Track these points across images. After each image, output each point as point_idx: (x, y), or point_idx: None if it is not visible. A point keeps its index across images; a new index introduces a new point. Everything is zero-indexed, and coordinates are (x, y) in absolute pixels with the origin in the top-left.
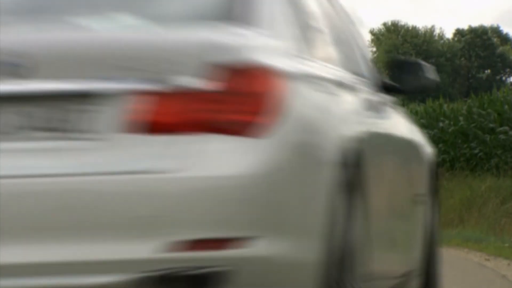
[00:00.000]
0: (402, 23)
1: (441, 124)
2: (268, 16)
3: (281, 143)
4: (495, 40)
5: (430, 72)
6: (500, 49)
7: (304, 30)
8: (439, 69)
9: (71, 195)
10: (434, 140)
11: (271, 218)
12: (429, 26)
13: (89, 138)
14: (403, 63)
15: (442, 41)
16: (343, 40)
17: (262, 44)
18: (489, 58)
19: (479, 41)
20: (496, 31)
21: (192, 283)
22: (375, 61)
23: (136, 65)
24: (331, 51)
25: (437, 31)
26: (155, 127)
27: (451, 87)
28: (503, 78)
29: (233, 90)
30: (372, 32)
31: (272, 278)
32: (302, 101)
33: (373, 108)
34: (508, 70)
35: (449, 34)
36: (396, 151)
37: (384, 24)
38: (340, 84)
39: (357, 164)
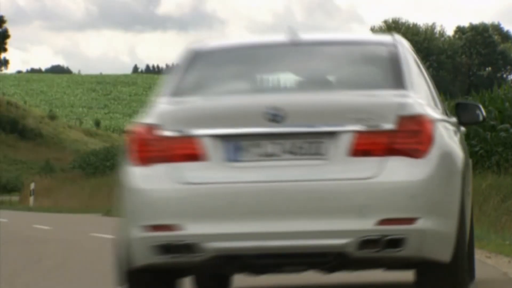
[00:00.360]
0: (403, 21)
1: None
2: (414, 82)
3: (433, 160)
4: (496, 37)
5: (482, 111)
6: (501, 46)
7: (428, 86)
8: (440, 67)
9: (317, 192)
10: None
11: (428, 206)
12: (430, 23)
13: (323, 158)
14: (467, 104)
15: (443, 39)
16: (431, 86)
17: (417, 101)
18: (490, 56)
19: (480, 39)
20: (497, 28)
21: (387, 244)
22: None
23: (351, 115)
24: (435, 96)
25: (438, 29)
26: (363, 151)
27: (452, 84)
28: (504, 75)
29: (408, 129)
30: (373, 30)
31: (427, 244)
32: (440, 135)
33: (456, 132)
34: (509, 67)
35: (450, 32)
36: (467, 160)
37: (385, 22)
38: (447, 121)
39: (465, 171)
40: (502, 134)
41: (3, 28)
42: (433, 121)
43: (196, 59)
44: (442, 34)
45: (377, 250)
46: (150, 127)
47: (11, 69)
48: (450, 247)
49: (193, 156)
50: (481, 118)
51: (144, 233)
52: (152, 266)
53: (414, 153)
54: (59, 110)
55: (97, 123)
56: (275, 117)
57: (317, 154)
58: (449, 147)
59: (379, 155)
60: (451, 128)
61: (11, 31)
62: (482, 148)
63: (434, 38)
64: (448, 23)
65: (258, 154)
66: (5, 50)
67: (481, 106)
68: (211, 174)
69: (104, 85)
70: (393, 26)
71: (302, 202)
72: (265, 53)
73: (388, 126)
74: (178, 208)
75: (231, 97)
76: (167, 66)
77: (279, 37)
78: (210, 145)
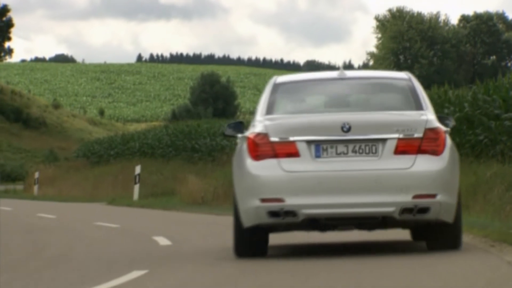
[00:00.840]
0: (408, 9)
1: (446, 111)
2: (427, 103)
3: (445, 157)
4: (500, 26)
5: (451, 121)
6: (506, 35)
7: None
8: (444, 56)
9: (372, 177)
10: None
11: (443, 186)
12: (434, 12)
13: (376, 156)
14: (440, 117)
15: (447, 28)
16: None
17: (433, 118)
18: (494, 44)
19: (484, 28)
20: (501, 17)
21: (418, 211)
22: (381, 47)
23: (395, 127)
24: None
25: (442, 17)
26: (399, 150)
27: (456, 73)
28: (508, 64)
29: (430, 136)
30: (377, 18)
31: (443, 211)
32: (448, 139)
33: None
34: None
35: (454, 20)
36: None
37: (390, 10)
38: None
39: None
40: (507, 123)
41: (7, 17)
42: (445, 131)
43: (277, 88)
44: (446, 23)
45: (412, 215)
46: (260, 135)
47: (15, 58)
48: (453, 213)
49: (290, 154)
50: (451, 126)
51: (260, 203)
52: (261, 225)
53: (434, 152)
54: (63, 99)
55: (101, 112)
56: (345, 129)
57: (372, 153)
58: (452, 147)
59: (412, 154)
60: None
61: (14, 20)
62: (487, 137)
63: (439, 27)
64: (452, 11)
65: (334, 153)
66: (9, 39)
67: (452, 117)
68: (302, 166)
69: (108, 74)
70: (397, 15)
71: (362, 184)
72: (323, 84)
73: (418, 135)
74: (282, 187)
75: (311, 115)
76: (171, 55)
77: (332, 73)
78: (301, 147)
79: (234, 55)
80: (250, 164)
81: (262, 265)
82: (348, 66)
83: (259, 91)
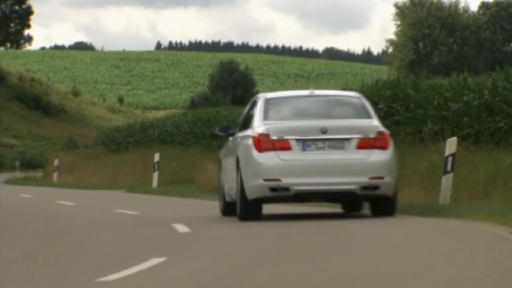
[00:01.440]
0: None
1: (465, 98)
2: (374, 114)
3: (390, 151)
4: None
5: None
6: None
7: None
8: (464, 43)
9: (342, 164)
10: (459, 113)
11: (389, 171)
12: None
13: (344, 149)
14: None
15: (467, 14)
16: None
17: (380, 124)
18: None
19: (504, 14)
20: None
21: (372, 188)
22: (400, 34)
23: (357, 131)
24: None
25: (462, 4)
26: (360, 147)
27: (476, 60)
28: None
29: (380, 137)
30: (396, 6)
31: (388, 188)
32: (391, 138)
33: None
34: None
35: (474, 7)
36: None
37: None
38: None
39: None
40: None
41: (27, 4)
42: (389, 133)
43: (267, 102)
44: (466, 9)
45: (368, 192)
46: (263, 135)
47: (34, 45)
48: (394, 189)
49: (285, 148)
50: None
51: (263, 182)
52: (263, 198)
53: (383, 148)
54: (83, 87)
55: (120, 100)
56: (323, 131)
57: (341, 148)
58: (393, 144)
59: (368, 149)
60: None
61: (34, 8)
62: (507, 124)
63: (458, 13)
64: None
65: (315, 147)
66: (28, 26)
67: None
68: (293, 156)
69: (127, 62)
70: (417, 2)
71: (335, 169)
72: (301, 99)
73: (372, 136)
74: (279, 171)
75: (298, 121)
76: (190, 42)
77: (305, 92)
78: (293, 143)
79: (252, 43)
80: (256, 155)
81: (280, 253)
82: (367, 54)
83: (278, 78)
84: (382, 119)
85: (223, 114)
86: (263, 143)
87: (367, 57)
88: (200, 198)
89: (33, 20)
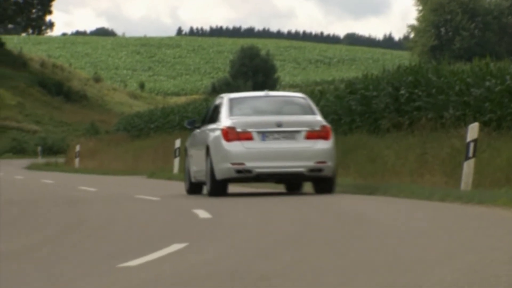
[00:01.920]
0: None
1: (487, 83)
2: (317, 111)
3: (332, 141)
4: None
5: None
6: None
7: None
8: (486, 28)
9: (294, 151)
10: (481, 99)
11: (330, 157)
12: None
13: (295, 140)
14: None
15: (488, 0)
16: None
17: (323, 119)
18: None
19: None
20: None
21: (317, 170)
22: (421, 20)
23: (305, 125)
24: None
25: None
26: (308, 137)
27: (498, 45)
28: None
29: (323, 130)
30: None
31: (329, 171)
32: (331, 129)
33: None
34: None
35: None
36: None
37: None
38: None
39: None
40: None
41: None
42: (330, 126)
43: (231, 101)
44: None
45: (314, 173)
46: (230, 128)
47: (56, 31)
48: (333, 171)
49: (248, 138)
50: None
51: (231, 165)
52: (230, 178)
53: (325, 138)
54: (104, 73)
55: (142, 86)
56: (278, 125)
57: (293, 138)
58: (333, 135)
59: (314, 139)
60: None
61: None
62: None
63: None
64: None
65: (272, 138)
66: (50, 12)
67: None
68: (255, 145)
69: (148, 48)
70: None
71: (287, 155)
72: (259, 99)
73: (317, 128)
74: (243, 157)
75: (259, 117)
76: (211, 28)
77: (261, 93)
78: (254, 134)
79: (273, 28)
80: (224, 143)
81: (301, 238)
82: (389, 39)
83: (299, 64)
84: (403, 105)
85: None
86: (230, 134)
87: (388, 42)
88: None
89: (55, 6)
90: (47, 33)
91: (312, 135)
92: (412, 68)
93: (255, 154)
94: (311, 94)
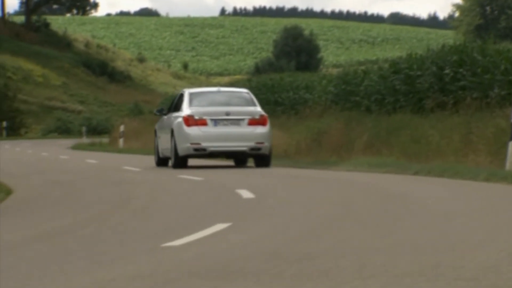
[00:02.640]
0: None
1: None
2: (257, 103)
3: (268, 126)
4: None
5: None
6: None
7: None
8: None
9: (239, 134)
10: None
11: (267, 139)
12: None
13: (240, 126)
14: None
15: None
16: None
17: (261, 109)
18: None
19: None
20: None
21: (257, 149)
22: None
23: (247, 114)
24: None
25: None
26: (250, 124)
27: None
28: None
29: (261, 118)
30: None
31: (266, 150)
32: (268, 118)
33: None
34: None
35: None
36: None
37: None
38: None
39: None
40: None
41: None
42: (267, 115)
43: (191, 95)
44: None
45: (254, 151)
46: (190, 116)
47: (100, 12)
48: (269, 150)
49: (203, 124)
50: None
51: (190, 145)
52: (189, 155)
53: (263, 124)
54: (148, 53)
55: (185, 66)
56: (227, 114)
57: (238, 125)
58: (269, 122)
59: (255, 125)
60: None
61: None
62: None
63: None
64: None
65: (222, 124)
66: None
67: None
68: (208, 129)
69: (191, 28)
70: None
71: (234, 137)
72: (212, 94)
73: (257, 117)
74: (200, 138)
75: (212, 107)
76: (254, 8)
77: (214, 89)
78: (208, 121)
79: (317, 8)
80: (185, 128)
81: (344, 219)
82: (433, 18)
83: (342, 44)
84: (448, 84)
85: (287, 80)
86: (190, 120)
87: (432, 22)
88: None
89: None
90: (91, 13)
91: (253, 122)
92: (456, 47)
93: (209, 136)
94: (354, 74)
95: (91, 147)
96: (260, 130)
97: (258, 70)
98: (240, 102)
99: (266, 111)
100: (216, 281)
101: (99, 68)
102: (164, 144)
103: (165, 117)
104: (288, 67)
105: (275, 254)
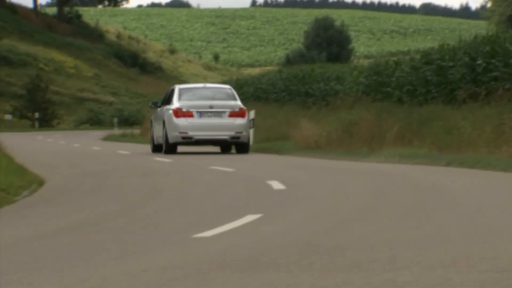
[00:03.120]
0: None
1: None
2: (238, 97)
3: (246, 118)
4: None
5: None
6: None
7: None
8: None
9: (221, 124)
10: None
11: (245, 129)
12: None
13: (222, 117)
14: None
15: None
16: None
17: (241, 103)
18: None
19: None
20: None
21: (236, 138)
22: None
23: (228, 107)
24: None
25: None
26: (230, 116)
27: None
28: None
29: (241, 111)
30: None
31: (244, 138)
32: (247, 111)
33: None
34: None
35: None
36: None
37: None
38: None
39: None
40: None
41: None
42: (245, 108)
43: (180, 90)
44: None
45: (234, 140)
46: (179, 108)
47: (131, 3)
48: (247, 139)
49: (190, 116)
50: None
51: (178, 134)
52: (178, 142)
53: (242, 116)
54: (179, 44)
55: (216, 57)
56: (211, 107)
57: (220, 117)
58: (248, 114)
59: (235, 117)
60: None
61: None
62: None
63: None
64: None
65: (207, 116)
66: None
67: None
68: (195, 120)
69: (222, 19)
70: None
71: (217, 127)
72: (199, 89)
73: (236, 110)
74: (187, 128)
75: (198, 101)
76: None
77: (200, 85)
78: (194, 113)
79: None
80: (174, 119)
81: (374, 211)
82: (465, 9)
83: (374, 35)
84: (480, 75)
85: (318, 71)
86: (178, 112)
87: (464, 12)
88: (295, 155)
89: None
90: (122, 5)
91: (233, 114)
92: (489, 38)
93: (195, 126)
94: (385, 65)
95: (122, 138)
96: (239, 121)
97: (289, 61)
98: (222, 96)
99: (297, 102)
100: (246, 272)
101: (131, 60)
102: (157, 133)
103: (159, 109)
104: (319, 58)
105: (306, 246)
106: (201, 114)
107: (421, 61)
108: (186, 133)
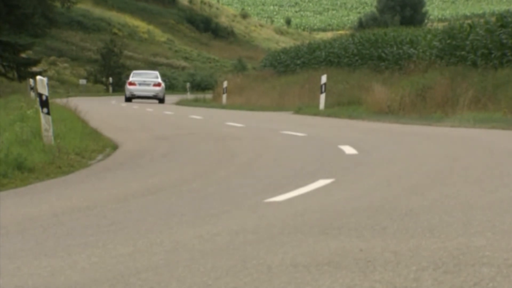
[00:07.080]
0: None
1: None
2: (160, 77)
3: (163, 86)
4: None
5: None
6: None
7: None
8: None
9: (149, 91)
10: None
11: (162, 93)
12: None
13: (150, 86)
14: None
15: None
16: None
17: (161, 80)
18: None
19: None
20: None
21: (155, 96)
22: None
23: (153, 82)
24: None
25: None
26: (153, 86)
27: None
28: None
29: (159, 83)
30: None
31: (161, 97)
32: (163, 83)
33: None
34: None
35: None
36: None
37: None
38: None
39: None
40: None
41: None
42: (162, 82)
43: (133, 73)
44: None
45: (155, 97)
46: (130, 81)
47: None
48: (163, 96)
49: (135, 85)
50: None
51: (129, 93)
52: (130, 97)
53: (159, 86)
54: (251, 9)
55: (288, 21)
56: (146, 83)
57: (149, 85)
58: (163, 85)
59: (156, 86)
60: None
61: None
62: None
63: None
64: None
65: (143, 85)
66: None
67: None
68: (136, 87)
69: None
70: None
71: (147, 91)
72: (141, 73)
73: (157, 83)
74: (132, 91)
75: (139, 78)
76: None
77: (143, 71)
78: (137, 83)
79: None
80: (128, 86)
81: (449, 175)
82: None
83: None
84: None
85: (391, 35)
86: (130, 83)
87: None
88: (368, 119)
89: None
90: None
91: (155, 85)
92: None
93: (136, 90)
94: (460, 28)
95: (195, 103)
96: (157, 88)
97: (361, 25)
98: (152, 76)
99: (369, 66)
100: (318, 236)
101: (203, 24)
102: (125, 92)
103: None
104: (392, 22)
105: (378, 210)
106: (140, 84)
107: (496, 24)
108: (132, 93)
